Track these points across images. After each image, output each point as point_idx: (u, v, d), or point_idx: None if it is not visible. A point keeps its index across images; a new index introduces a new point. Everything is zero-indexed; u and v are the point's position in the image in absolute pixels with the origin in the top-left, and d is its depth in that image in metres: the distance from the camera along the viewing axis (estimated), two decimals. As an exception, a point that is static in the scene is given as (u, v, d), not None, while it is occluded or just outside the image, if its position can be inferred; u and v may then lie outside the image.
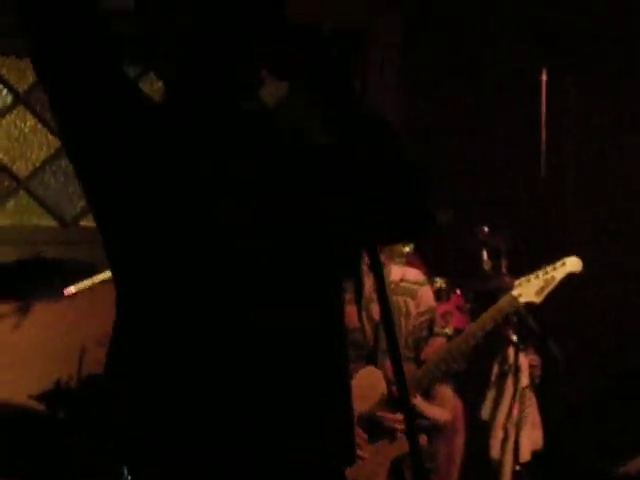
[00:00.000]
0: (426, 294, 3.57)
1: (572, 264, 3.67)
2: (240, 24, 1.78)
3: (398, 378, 1.88)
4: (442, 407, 3.55)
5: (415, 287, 3.54)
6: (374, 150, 1.73)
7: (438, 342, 3.56)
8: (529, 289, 3.61)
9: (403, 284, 3.52)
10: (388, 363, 3.30)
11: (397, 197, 1.75)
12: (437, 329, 3.58)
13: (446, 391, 3.58)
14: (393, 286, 3.45)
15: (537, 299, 3.62)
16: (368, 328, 3.34)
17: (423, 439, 3.35)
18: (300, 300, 1.80)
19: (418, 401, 3.39)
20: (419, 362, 3.51)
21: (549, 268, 3.65)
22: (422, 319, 3.54)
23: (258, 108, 1.87)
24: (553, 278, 3.64)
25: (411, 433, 1.89)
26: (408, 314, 3.50)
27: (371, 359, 3.37)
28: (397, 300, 3.46)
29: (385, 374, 3.36)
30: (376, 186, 1.74)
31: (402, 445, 3.30)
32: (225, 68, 1.81)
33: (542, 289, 3.62)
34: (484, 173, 4.87)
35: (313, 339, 1.79)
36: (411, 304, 3.52)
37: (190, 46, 1.80)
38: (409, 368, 3.45)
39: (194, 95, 1.84)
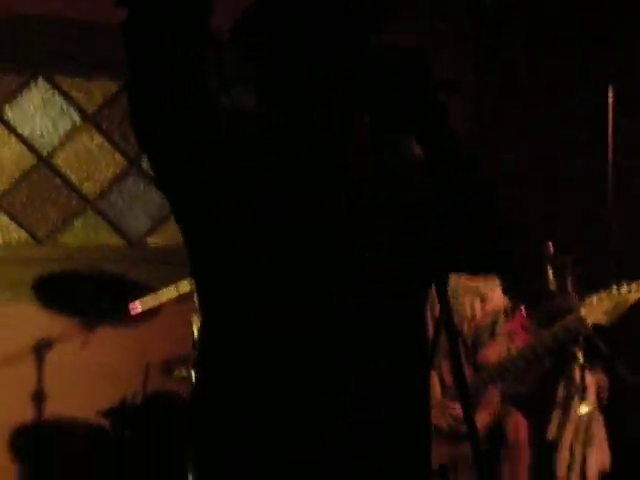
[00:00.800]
0: (496, 295, 3.51)
1: None
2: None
3: (459, 387, 1.85)
4: (482, 412, 3.46)
5: (485, 290, 3.48)
6: (468, 194, 1.77)
7: (498, 344, 3.50)
8: (598, 309, 3.53)
9: (473, 284, 3.46)
10: (445, 365, 3.26)
11: (482, 236, 1.80)
12: (499, 331, 3.51)
13: (492, 393, 3.49)
14: (462, 285, 3.39)
15: (605, 320, 3.53)
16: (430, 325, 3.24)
17: (461, 449, 3.30)
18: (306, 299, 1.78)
19: (457, 409, 3.31)
20: (476, 364, 3.45)
21: (623, 289, 3.55)
22: (486, 321, 3.48)
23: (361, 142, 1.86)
24: (626, 300, 3.54)
25: (473, 435, 1.86)
26: (473, 317, 3.45)
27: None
28: (464, 302, 3.40)
29: (440, 377, 3.31)
30: (463, 225, 1.78)
31: (454, 451, 3.25)
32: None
33: (612, 310, 3.53)
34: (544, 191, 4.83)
35: (313, 339, 1.77)
36: (477, 306, 3.45)
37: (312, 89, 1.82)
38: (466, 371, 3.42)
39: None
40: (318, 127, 1.79)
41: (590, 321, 3.52)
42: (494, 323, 3.51)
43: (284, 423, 1.76)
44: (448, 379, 3.31)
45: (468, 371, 3.42)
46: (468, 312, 3.45)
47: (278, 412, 1.76)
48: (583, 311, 3.52)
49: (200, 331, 1.90)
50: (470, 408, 1.90)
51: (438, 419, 3.27)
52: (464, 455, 3.29)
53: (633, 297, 3.55)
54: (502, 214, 1.82)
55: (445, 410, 3.29)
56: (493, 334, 3.51)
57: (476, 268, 2.02)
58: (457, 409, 3.27)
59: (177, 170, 1.77)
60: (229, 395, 1.80)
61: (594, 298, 3.55)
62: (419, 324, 1.92)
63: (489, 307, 3.49)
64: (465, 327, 3.44)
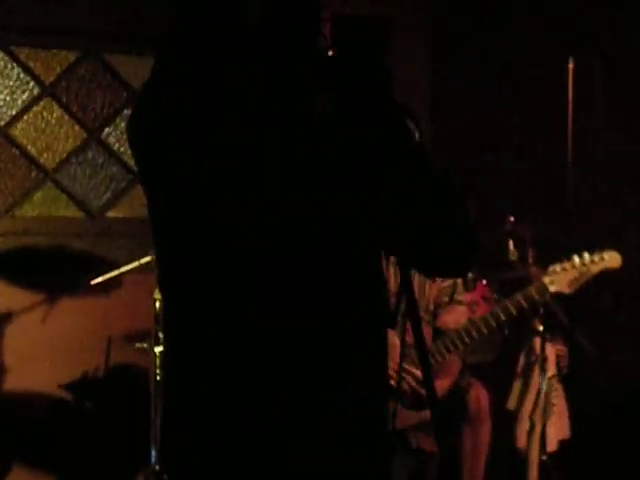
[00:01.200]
0: None
1: (612, 259, 3.59)
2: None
3: (419, 347, 1.86)
4: (443, 378, 3.49)
5: None
6: (418, 186, 1.73)
7: (457, 310, 3.54)
8: (562, 278, 3.55)
9: None
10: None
11: (436, 233, 1.76)
12: (457, 297, 3.55)
13: (452, 359, 3.51)
14: None
15: (568, 290, 3.57)
16: (393, 283, 3.21)
17: (425, 414, 3.32)
18: (301, 301, 1.76)
19: (419, 373, 3.32)
20: (435, 327, 3.49)
21: (587, 259, 3.58)
22: (445, 284, 3.52)
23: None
24: (589, 271, 3.57)
25: (432, 400, 1.87)
26: (434, 280, 3.48)
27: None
28: None
29: (400, 336, 3.32)
30: (419, 220, 1.74)
31: (419, 415, 3.27)
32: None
33: (575, 280, 3.56)
34: (510, 159, 4.85)
35: (313, 340, 1.76)
36: None
37: None
38: (427, 331, 3.44)
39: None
40: (318, 126, 1.76)
41: (553, 290, 3.55)
42: (453, 287, 3.55)
43: (284, 423, 1.75)
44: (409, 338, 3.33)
45: (427, 331, 3.46)
46: None
47: (278, 412, 1.75)
48: (546, 279, 3.55)
49: (185, 335, 1.85)
50: (430, 372, 1.90)
51: (399, 381, 3.29)
52: (426, 421, 3.32)
53: (595, 269, 3.59)
54: (457, 215, 1.78)
55: (405, 373, 3.31)
56: (452, 299, 3.55)
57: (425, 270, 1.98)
58: (417, 372, 3.30)
59: (177, 171, 1.75)
60: (228, 395, 1.78)
61: (557, 267, 3.58)
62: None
63: None
64: (427, 289, 3.48)
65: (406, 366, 3.32)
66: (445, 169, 1.78)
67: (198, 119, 1.73)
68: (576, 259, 3.59)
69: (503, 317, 3.50)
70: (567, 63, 4.16)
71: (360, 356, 1.80)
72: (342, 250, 1.77)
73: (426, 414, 3.32)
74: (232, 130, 1.72)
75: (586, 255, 3.60)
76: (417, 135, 1.77)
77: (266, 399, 1.75)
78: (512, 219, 3.90)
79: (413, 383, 3.34)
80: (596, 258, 3.59)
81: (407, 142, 1.74)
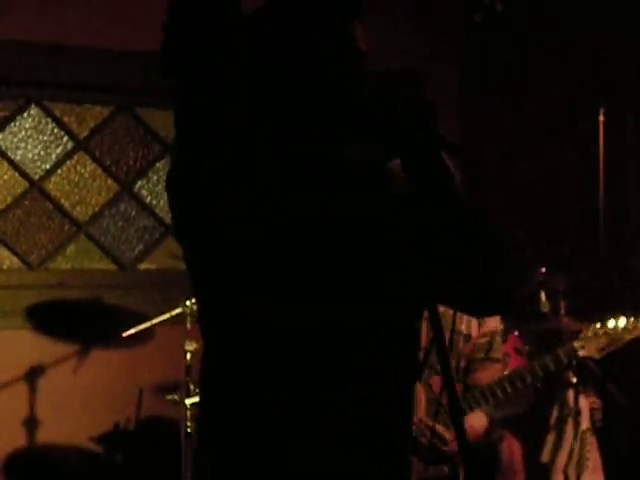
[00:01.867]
0: (493, 317, 3.47)
1: None
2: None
3: (451, 401, 1.84)
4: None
5: None
6: (461, 228, 1.76)
7: (492, 368, 3.48)
8: (593, 344, 3.50)
9: None
10: (434, 380, 3.25)
11: (476, 273, 1.78)
12: (493, 354, 3.48)
13: (476, 417, 3.45)
14: None
15: (598, 355, 3.52)
16: (423, 338, 3.17)
17: (443, 470, 3.27)
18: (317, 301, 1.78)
19: (439, 428, 3.28)
20: (467, 385, 3.44)
21: (620, 326, 3.54)
22: (481, 341, 3.44)
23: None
24: (621, 338, 3.53)
25: (464, 455, 1.84)
26: (468, 336, 3.42)
27: None
28: (459, 322, 3.37)
29: (426, 391, 3.29)
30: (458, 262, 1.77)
31: (435, 469, 3.23)
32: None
33: (606, 346, 3.52)
34: (542, 211, 4.85)
35: (313, 339, 1.77)
36: (474, 326, 3.42)
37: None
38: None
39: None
40: (318, 127, 1.79)
41: (583, 354, 3.51)
42: (490, 344, 3.49)
43: (284, 423, 1.76)
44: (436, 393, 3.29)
45: (458, 389, 3.41)
46: (464, 329, 3.43)
47: (278, 412, 1.76)
48: (577, 344, 3.51)
49: (202, 333, 1.88)
50: (463, 425, 1.87)
51: (417, 434, 3.26)
52: (443, 476, 3.28)
53: (628, 336, 3.53)
54: (503, 258, 1.80)
55: (425, 427, 3.27)
56: (488, 356, 3.49)
57: (467, 307, 1.99)
58: (439, 428, 3.26)
59: (181, 170, 1.77)
60: (228, 394, 1.81)
61: (589, 332, 3.53)
62: (414, 327, 1.94)
63: (486, 327, 3.48)
64: (461, 345, 3.42)
65: (426, 420, 3.29)
66: (485, 209, 1.80)
67: (197, 113, 1.74)
68: (609, 324, 3.54)
69: (529, 378, 3.45)
70: (597, 114, 4.17)
71: (361, 355, 1.79)
72: (338, 244, 1.78)
73: (443, 469, 3.28)
74: (228, 121, 1.75)
75: (620, 321, 3.55)
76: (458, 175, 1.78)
77: (266, 398, 1.76)
78: (544, 270, 3.89)
79: (435, 439, 3.30)
80: (630, 325, 3.55)
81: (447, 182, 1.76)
